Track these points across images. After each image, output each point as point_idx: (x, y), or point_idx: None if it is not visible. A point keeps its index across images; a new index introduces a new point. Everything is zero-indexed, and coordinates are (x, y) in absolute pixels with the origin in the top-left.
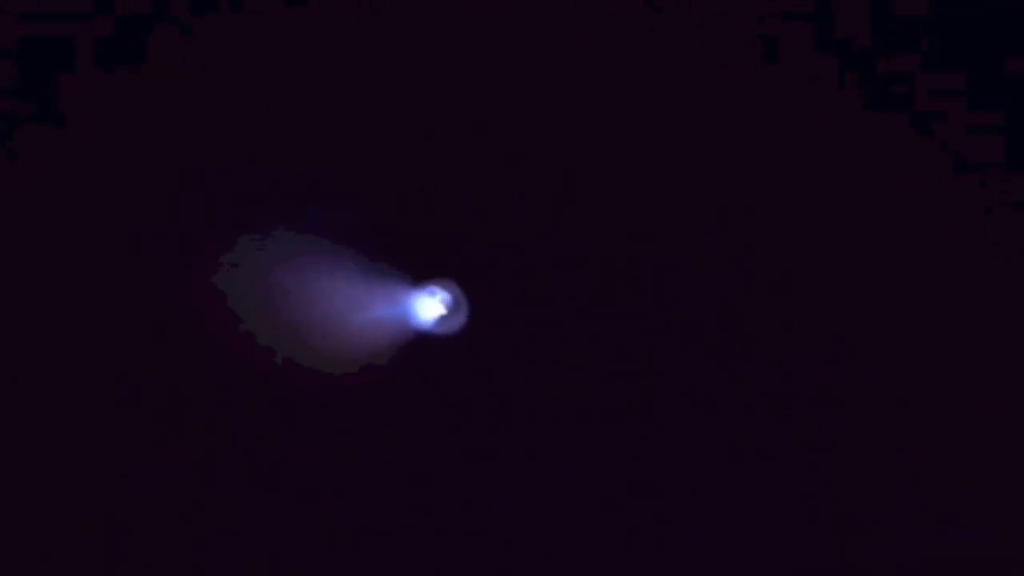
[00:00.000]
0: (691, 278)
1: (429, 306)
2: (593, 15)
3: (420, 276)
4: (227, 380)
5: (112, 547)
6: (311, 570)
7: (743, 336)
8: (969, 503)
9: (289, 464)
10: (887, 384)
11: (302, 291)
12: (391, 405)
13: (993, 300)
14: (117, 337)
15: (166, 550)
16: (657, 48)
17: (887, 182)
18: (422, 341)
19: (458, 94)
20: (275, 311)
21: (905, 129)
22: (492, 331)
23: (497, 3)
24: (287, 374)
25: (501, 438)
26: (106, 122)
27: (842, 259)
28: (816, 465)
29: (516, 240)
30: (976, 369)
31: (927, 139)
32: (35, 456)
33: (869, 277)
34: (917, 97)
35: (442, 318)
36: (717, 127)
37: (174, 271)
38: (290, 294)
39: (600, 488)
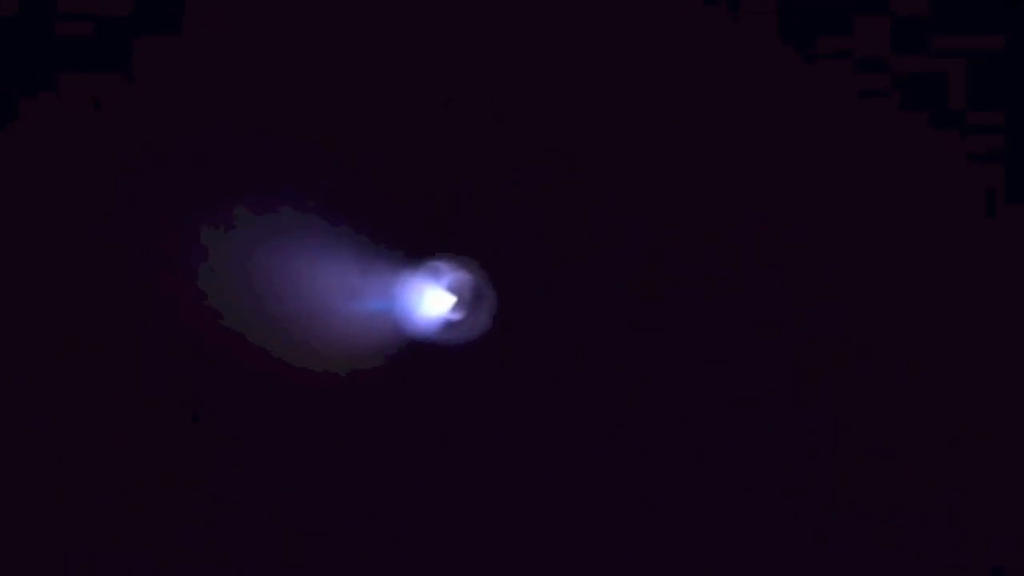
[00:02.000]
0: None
1: (439, 300)
2: None
3: (428, 259)
4: (192, 381)
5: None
6: None
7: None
8: (971, 503)
9: (262, 476)
10: (895, 386)
11: (278, 275)
12: (382, 428)
13: (994, 300)
14: (86, 322)
15: (143, 547)
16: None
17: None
18: (427, 346)
19: (477, 39)
20: (249, 299)
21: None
22: (522, 337)
23: None
24: (260, 375)
25: (518, 481)
26: (88, 93)
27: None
28: (859, 475)
29: (560, 216)
30: (978, 370)
31: (928, 137)
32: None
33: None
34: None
35: (455, 317)
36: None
37: (147, 253)
38: (265, 279)
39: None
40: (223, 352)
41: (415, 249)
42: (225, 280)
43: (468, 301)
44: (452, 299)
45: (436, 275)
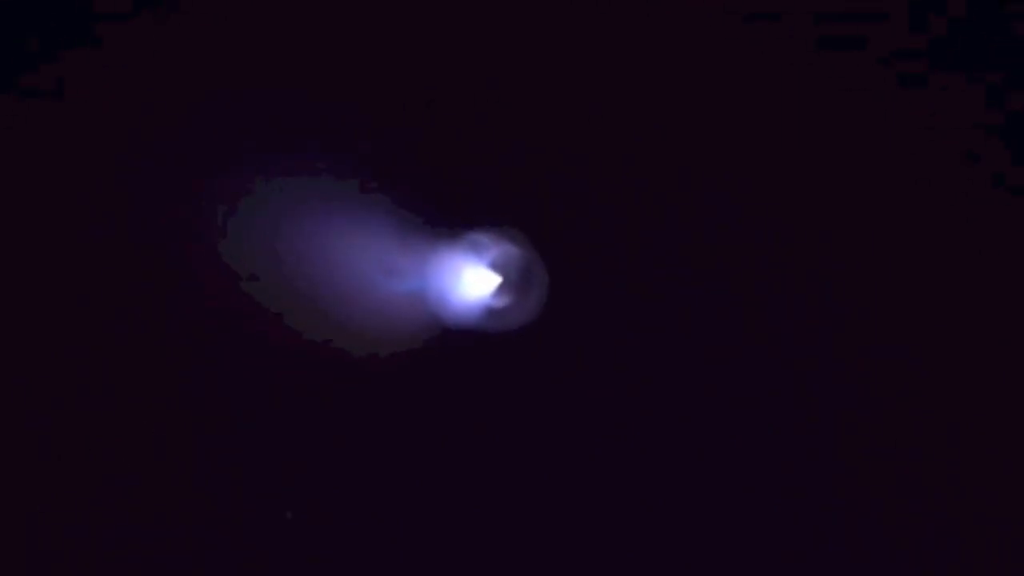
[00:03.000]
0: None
1: (480, 280)
2: None
3: (469, 231)
4: (212, 360)
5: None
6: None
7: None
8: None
9: (272, 464)
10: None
11: (301, 251)
12: (408, 423)
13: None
14: (91, 290)
15: (153, 531)
16: None
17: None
18: (465, 335)
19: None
20: (266, 277)
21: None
22: (578, 327)
23: None
24: (278, 358)
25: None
26: (104, 47)
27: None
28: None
29: (625, 180)
30: (978, 370)
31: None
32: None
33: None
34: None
35: (499, 302)
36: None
37: (156, 221)
38: (286, 255)
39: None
40: (242, 332)
41: (454, 219)
42: (246, 254)
43: (514, 283)
44: (496, 280)
45: (478, 251)
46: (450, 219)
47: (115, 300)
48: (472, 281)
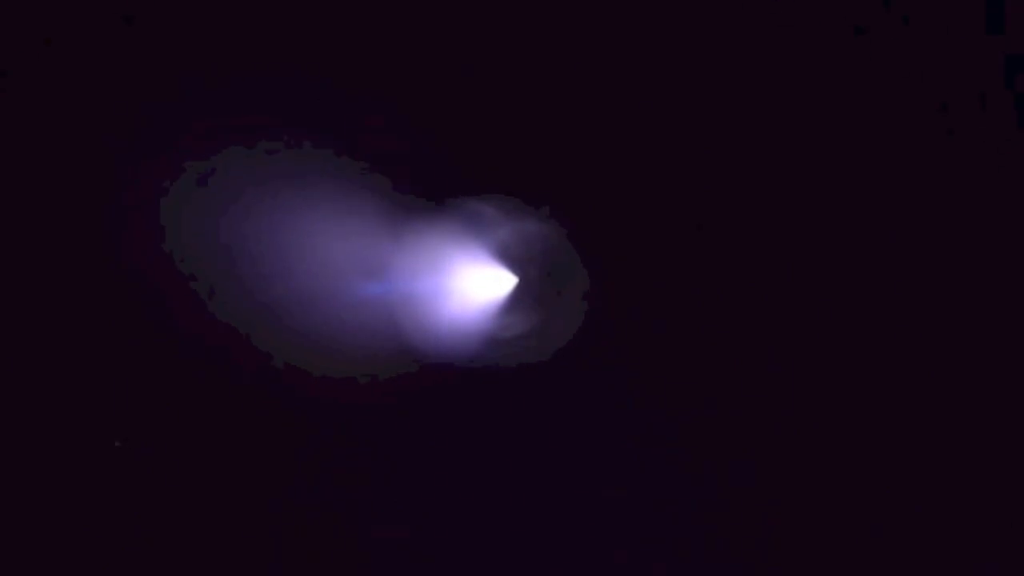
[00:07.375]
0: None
1: (487, 283)
2: None
3: (474, 204)
4: (179, 372)
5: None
6: None
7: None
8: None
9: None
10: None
11: (287, 251)
12: (400, 445)
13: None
14: (66, 305)
15: (132, 538)
16: None
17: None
18: (465, 366)
19: None
20: (247, 276)
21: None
22: (603, 343)
23: None
24: (257, 366)
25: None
26: (94, 41)
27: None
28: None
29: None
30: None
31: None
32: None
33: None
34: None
35: (511, 311)
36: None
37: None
38: (271, 255)
39: None
40: (215, 347)
41: (475, 233)
42: (203, 249)
43: (533, 284)
44: (510, 280)
45: (480, 229)
46: (445, 187)
47: (75, 297)
48: (476, 284)
